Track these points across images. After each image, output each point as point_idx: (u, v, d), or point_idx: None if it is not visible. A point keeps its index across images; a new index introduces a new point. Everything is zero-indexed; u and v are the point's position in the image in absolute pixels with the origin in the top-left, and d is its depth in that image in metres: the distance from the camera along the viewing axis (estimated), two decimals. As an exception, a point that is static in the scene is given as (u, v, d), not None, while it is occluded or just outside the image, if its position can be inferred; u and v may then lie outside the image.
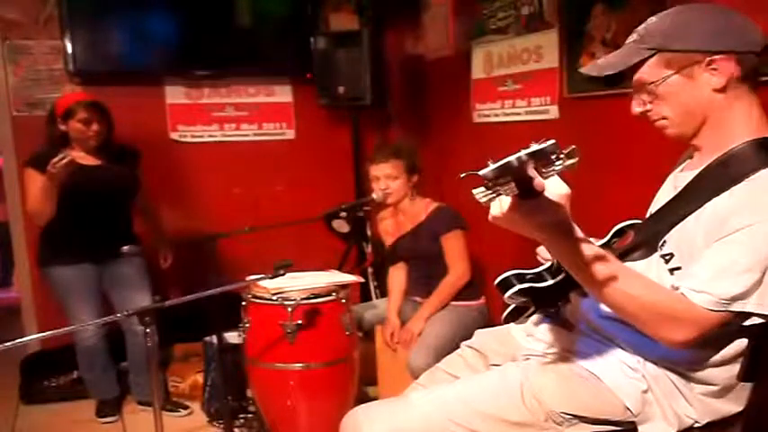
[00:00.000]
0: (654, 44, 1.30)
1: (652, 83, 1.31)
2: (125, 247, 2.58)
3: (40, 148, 2.83)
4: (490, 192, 1.05)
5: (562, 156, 1.01)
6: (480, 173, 1.01)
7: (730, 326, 1.23)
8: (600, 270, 1.19)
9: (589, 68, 1.40)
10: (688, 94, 1.29)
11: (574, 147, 1.01)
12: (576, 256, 1.17)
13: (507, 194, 1.05)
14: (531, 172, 1.01)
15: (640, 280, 1.25)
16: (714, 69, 1.26)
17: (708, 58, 1.25)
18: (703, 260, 1.22)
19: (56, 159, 2.55)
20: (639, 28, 1.34)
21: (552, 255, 1.25)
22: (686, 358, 1.31)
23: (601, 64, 1.38)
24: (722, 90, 1.27)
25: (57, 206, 2.73)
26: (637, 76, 1.34)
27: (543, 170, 1.02)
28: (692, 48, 1.27)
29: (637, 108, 1.37)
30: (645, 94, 1.34)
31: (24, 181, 2.81)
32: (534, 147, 1.00)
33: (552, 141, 1.00)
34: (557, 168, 1.02)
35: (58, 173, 2.57)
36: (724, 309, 1.19)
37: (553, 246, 1.19)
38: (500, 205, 1.09)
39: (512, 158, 1.00)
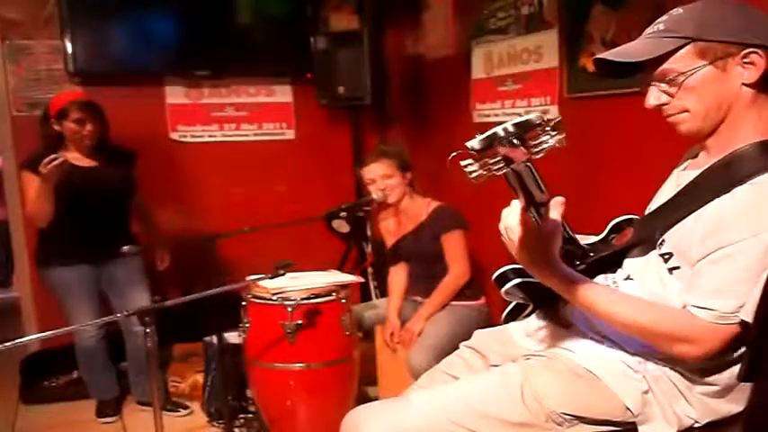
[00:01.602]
0: (687, 33, 1.25)
1: (682, 74, 1.26)
2: (125, 248, 2.57)
3: (35, 149, 2.82)
4: (479, 166, 1.05)
5: (548, 128, 1.02)
6: (467, 144, 1.03)
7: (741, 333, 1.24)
8: (605, 302, 1.27)
9: (612, 54, 1.33)
10: (718, 86, 1.26)
11: (559, 118, 1.03)
12: (573, 287, 1.25)
13: (496, 172, 1.05)
14: (515, 153, 1.03)
15: (643, 304, 1.27)
16: (748, 63, 1.24)
17: (743, 51, 1.23)
18: (704, 272, 1.23)
19: (47, 160, 2.53)
20: (663, 19, 1.30)
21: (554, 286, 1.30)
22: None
23: (624, 51, 1.33)
24: (753, 85, 1.24)
25: (54, 207, 2.72)
26: (665, 66, 1.28)
27: (532, 143, 1.03)
28: (728, 39, 1.23)
29: (653, 101, 1.32)
30: (667, 86, 1.29)
31: (21, 184, 2.80)
32: (519, 118, 1.02)
33: (537, 114, 1.02)
34: (546, 145, 1.03)
35: (49, 173, 2.55)
36: (730, 322, 1.20)
37: (552, 277, 1.26)
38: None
39: (498, 129, 1.01)
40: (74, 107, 2.76)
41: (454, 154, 1.09)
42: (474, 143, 1.02)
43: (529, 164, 1.07)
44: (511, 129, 1.00)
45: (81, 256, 2.85)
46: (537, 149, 1.03)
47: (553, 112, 2.71)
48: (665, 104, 1.31)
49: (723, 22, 1.25)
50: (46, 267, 2.89)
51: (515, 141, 1.00)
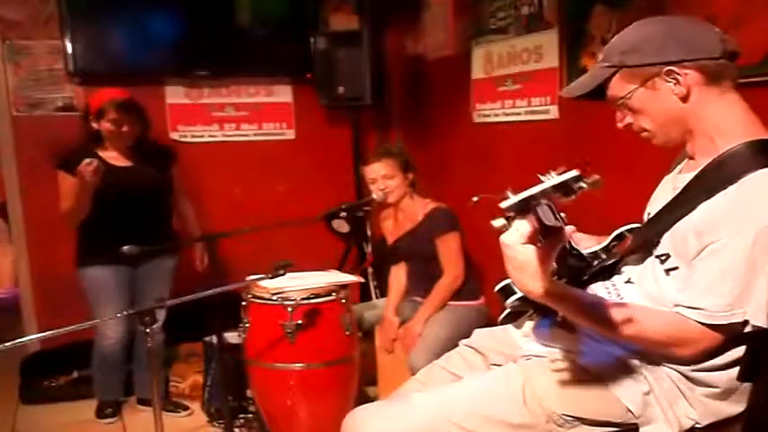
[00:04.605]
0: (614, 62, 1.34)
1: (622, 98, 1.35)
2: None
3: (72, 147, 2.83)
4: (507, 219, 1.06)
5: (584, 185, 1.00)
6: (502, 205, 1.01)
7: (734, 333, 1.24)
8: (596, 316, 1.26)
9: (563, 92, 1.47)
10: (657, 104, 1.33)
11: (598, 177, 1.02)
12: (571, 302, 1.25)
13: (525, 224, 1.06)
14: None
15: (634, 312, 1.26)
16: (673, 79, 1.28)
17: (664, 69, 1.28)
18: (694, 273, 1.24)
19: (82, 166, 2.55)
20: (605, 48, 1.38)
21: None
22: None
23: (571, 86, 1.44)
24: (686, 97, 1.29)
25: (89, 207, 2.73)
26: (609, 93, 1.38)
27: (563, 197, 1.01)
28: (646, 61, 1.30)
29: (619, 124, 1.41)
30: (623, 109, 1.38)
31: (58, 182, 2.80)
32: (556, 179, 1.00)
33: (575, 173, 1.00)
34: (579, 193, 1.01)
35: (89, 178, 2.58)
36: (720, 321, 1.21)
37: (543, 295, 1.22)
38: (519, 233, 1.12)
39: (535, 191, 0.99)
40: (111, 107, 2.76)
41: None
42: (511, 205, 1.00)
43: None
44: (549, 190, 0.99)
45: (116, 256, 2.82)
46: (568, 199, 1.01)
47: (553, 111, 2.70)
48: (631, 125, 1.39)
49: (642, 44, 1.31)
50: (83, 267, 2.88)
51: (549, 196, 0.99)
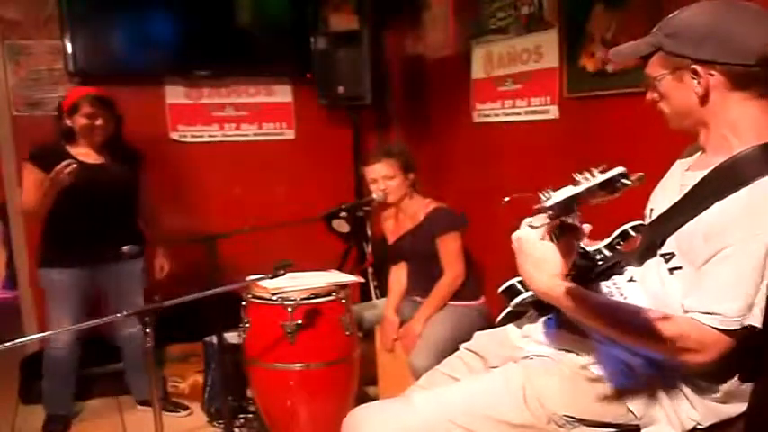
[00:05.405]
0: (656, 42, 1.33)
1: (654, 78, 1.35)
2: (125, 247, 2.56)
3: (43, 142, 2.80)
4: (547, 221, 1.05)
5: (628, 182, 0.98)
6: (546, 204, 0.99)
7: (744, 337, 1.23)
8: (609, 320, 1.25)
9: (610, 53, 1.45)
10: (678, 96, 1.32)
11: (642, 174, 1.01)
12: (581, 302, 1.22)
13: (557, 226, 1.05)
14: (575, 220, 1.01)
15: (648, 318, 1.25)
16: (697, 77, 1.27)
17: (692, 66, 1.27)
18: (707, 275, 1.22)
19: (60, 167, 2.52)
20: (664, 18, 1.35)
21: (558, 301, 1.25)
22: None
23: (616, 51, 1.43)
24: (704, 98, 1.28)
25: (57, 205, 2.70)
26: (647, 69, 1.37)
27: (607, 196, 1.00)
28: (678, 52, 1.29)
29: (647, 96, 1.40)
30: (652, 87, 1.37)
31: (22, 174, 2.76)
32: (602, 176, 0.98)
33: (621, 170, 0.98)
34: (622, 191, 1.00)
35: (63, 179, 2.55)
36: (734, 327, 1.20)
37: (554, 294, 1.22)
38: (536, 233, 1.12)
39: (581, 189, 0.98)
40: (85, 102, 2.74)
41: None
42: (553, 205, 0.98)
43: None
44: (595, 188, 0.97)
45: (81, 256, 2.80)
46: (611, 197, 1.00)
47: (553, 111, 2.70)
48: (655, 103, 1.38)
49: (684, 32, 1.29)
50: (44, 268, 2.83)
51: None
